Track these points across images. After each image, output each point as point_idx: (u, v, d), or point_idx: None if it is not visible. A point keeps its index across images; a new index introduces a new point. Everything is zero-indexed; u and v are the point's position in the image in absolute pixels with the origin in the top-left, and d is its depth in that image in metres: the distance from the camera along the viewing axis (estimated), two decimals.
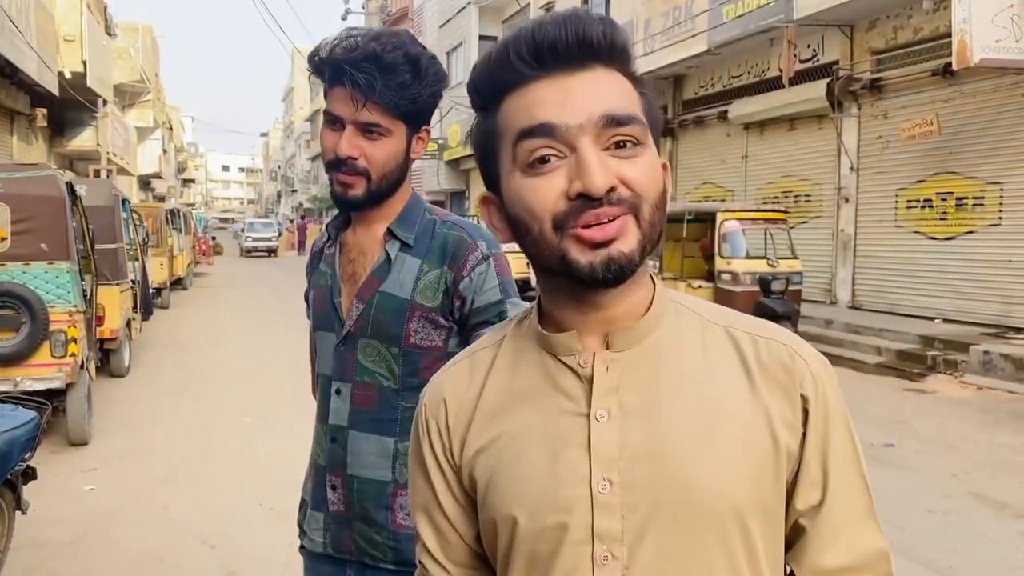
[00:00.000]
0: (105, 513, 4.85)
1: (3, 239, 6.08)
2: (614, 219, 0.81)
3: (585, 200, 0.80)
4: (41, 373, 5.98)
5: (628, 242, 0.81)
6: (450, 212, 1.74)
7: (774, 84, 14.07)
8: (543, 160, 0.82)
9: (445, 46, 27.18)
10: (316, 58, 1.52)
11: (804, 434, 0.86)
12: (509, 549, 0.89)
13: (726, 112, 15.70)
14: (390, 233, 1.60)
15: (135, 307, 10.06)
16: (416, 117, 1.56)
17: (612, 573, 0.84)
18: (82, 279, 6.61)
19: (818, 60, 13.66)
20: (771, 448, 0.85)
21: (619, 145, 0.82)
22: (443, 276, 1.57)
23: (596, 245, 0.81)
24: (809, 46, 13.65)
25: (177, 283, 18.97)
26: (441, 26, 27.05)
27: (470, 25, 25.93)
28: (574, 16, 0.83)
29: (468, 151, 25.93)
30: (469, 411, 0.94)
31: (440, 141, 28.30)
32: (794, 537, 0.89)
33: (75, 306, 6.25)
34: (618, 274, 0.82)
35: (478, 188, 28.08)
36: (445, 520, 0.96)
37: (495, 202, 0.91)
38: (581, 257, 0.81)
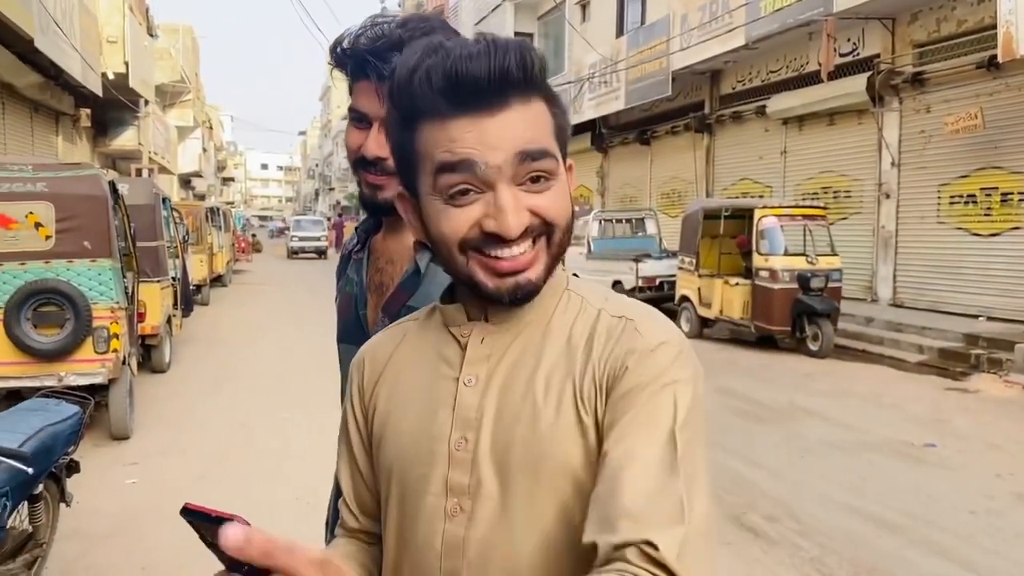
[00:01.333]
0: (145, 506, 4.93)
1: (48, 237, 6.20)
2: (524, 252, 0.90)
3: (499, 237, 0.88)
4: (84, 368, 6.10)
5: (536, 270, 0.91)
6: None
7: (813, 78, 13.88)
8: (463, 192, 0.89)
9: None
10: (338, 50, 1.39)
11: (609, 399, 0.89)
12: (387, 499, 1.00)
13: (764, 107, 15.52)
14: (421, 243, 1.36)
15: (175, 304, 10.22)
16: None
17: (459, 525, 0.92)
18: (124, 276, 6.72)
19: (858, 54, 13.45)
20: (578, 417, 0.90)
21: (534, 180, 0.89)
22: None
23: (504, 274, 0.90)
24: (849, 39, 13.44)
25: (217, 280, 19.23)
26: (476, 24, 27.06)
27: (505, 23, 25.93)
28: (492, 49, 0.87)
29: None
30: (379, 371, 1.05)
31: None
32: None
33: (117, 303, 6.35)
34: (524, 298, 0.93)
35: None
36: (358, 472, 1.06)
37: (411, 200, 0.97)
38: (488, 282, 0.91)
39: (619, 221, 17.42)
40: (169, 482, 5.41)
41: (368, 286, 1.49)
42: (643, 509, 0.80)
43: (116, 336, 6.27)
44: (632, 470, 0.83)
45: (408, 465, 0.97)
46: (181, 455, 6.09)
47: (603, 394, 0.90)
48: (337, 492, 1.16)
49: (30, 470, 2.94)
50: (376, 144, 1.36)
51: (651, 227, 16.73)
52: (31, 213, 6.15)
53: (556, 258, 0.93)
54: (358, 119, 1.40)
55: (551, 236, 0.91)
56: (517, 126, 0.88)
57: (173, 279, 9.95)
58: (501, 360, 0.96)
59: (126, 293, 6.70)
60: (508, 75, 0.87)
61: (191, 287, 13.11)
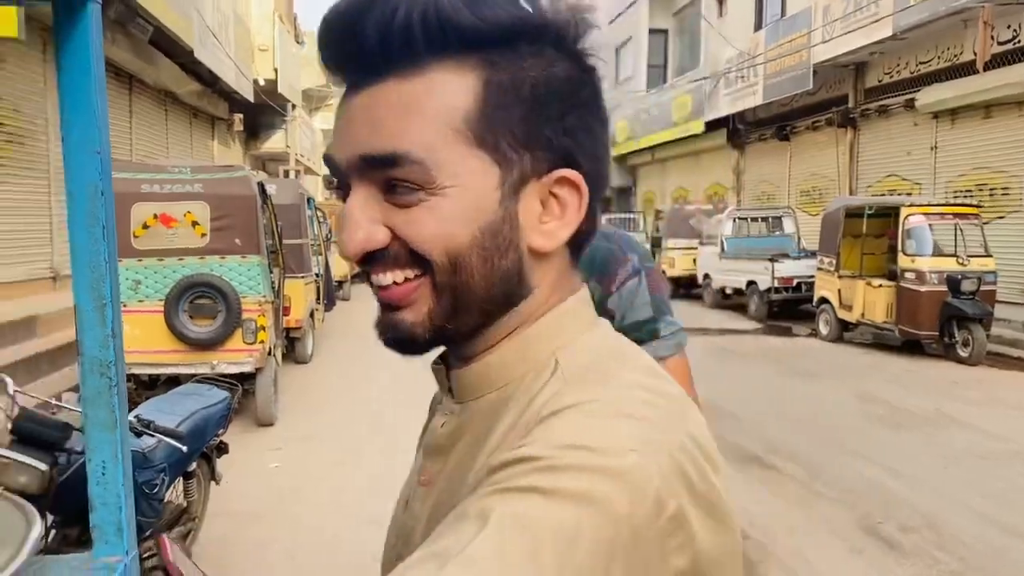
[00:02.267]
0: (288, 490, 5.23)
1: (203, 235, 6.66)
2: (397, 283, 0.65)
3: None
4: (234, 358, 6.52)
5: (414, 312, 0.66)
6: (603, 223, 1.70)
7: (967, 69, 13.06)
8: (345, 194, 0.66)
9: (614, 41, 27.06)
10: None
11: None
12: None
13: (913, 100, 14.71)
14: None
15: (318, 299, 10.73)
16: None
17: None
18: (271, 272, 7.14)
19: (1019, 41, 12.55)
20: None
21: (390, 189, 0.63)
22: (592, 291, 1.50)
23: (381, 306, 0.68)
24: (1009, 27, 12.55)
25: (357, 277, 19.99)
26: (610, 22, 26.96)
27: (640, 19, 25.69)
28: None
29: (634, 147, 25.83)
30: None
31: None
32: None
33: (265, 297, 6.76)
34: (398, 347, 0.68)
35: (646, 185, 27.86)
36: None
37: None
38: (378, 312, 0.69)
39: (755, 219, 16.96)
40: (310, 467, 5.71)
41: None
42: None
43: (263, 328, 6.67)
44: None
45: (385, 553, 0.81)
46: (321, 442, 6.40)
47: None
48: None
49: (185, 448, 3.19)
50: None
51: (789, 226, 16.21)
52: (189, 212, 6.63)
53: (453, 304, 0.65)
54: None
55: (429, 273, 0.64)
56: (375, 112, 0.62)
57: (316, 275, 10.45)
58: (449, 456, 0.71)
59: (273, 288, 7.11)
60: (388, 30, 0.60)
61: (333, 283, 13.72)
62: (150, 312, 6.40)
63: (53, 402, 3.20)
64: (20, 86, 10.74)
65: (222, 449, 4.08)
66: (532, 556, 0.50)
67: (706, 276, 16.85)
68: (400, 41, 0.60)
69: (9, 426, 2.83)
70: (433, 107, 0.62)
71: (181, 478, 3.69)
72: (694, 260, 17.57)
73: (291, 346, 9.36)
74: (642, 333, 1.51)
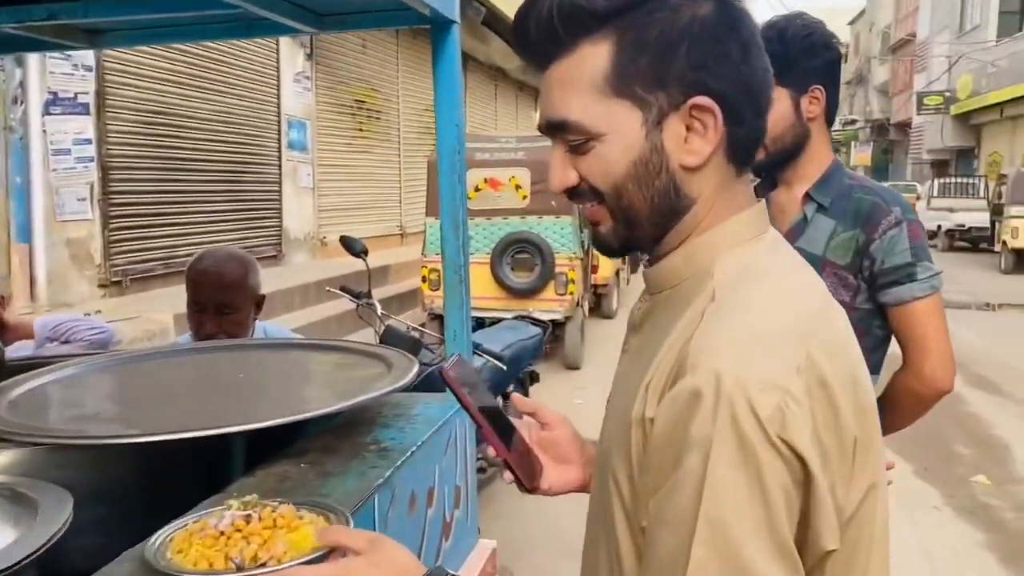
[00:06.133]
0: (588, 423, 5.80)
1: (524, 197, 7.49)
2: (593, 206, 0.87)
3: None
4: (547, 306, 7.30)
5: (604, 227, 0.87)
6: (868, 178, 1.86)
7: None
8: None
9: None
10: None
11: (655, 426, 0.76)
12: None
13: None
14: (808, 196, 1.77)
15: (624, 260, 11.33)
16: (793, 79, 1.69)
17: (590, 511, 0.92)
18: (581, 232, 7.81)
19: None
20: (631, 438, 0.79)
21: (572, 146, 0.84)
22: (855, 237, 1.71)
23: (589, 222, 0.91)
24: None
25: None
26: None
27: None
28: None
29: (979, 104, 23.23)
30: None
31: (947, 93, 25.73)
32: None
33: (575, 253, 7.47)
34: (603, 250, 0.92)
35: (990, 145, 24.96)
36: None
37: None
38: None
39: None
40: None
41: None
42: None
43: (572, 281, 7.38)
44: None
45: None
46: None
47: (655, 403, 0.77)
48: None
49: (505, 369, 3.87)
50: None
51: None
52: (513, 177, 7.48)
53: (626, 221, 0.85)
54: None
55: (604, 201, 0.85)
56: (552, 90, 0.85)
57: None
58: (640, 332, 0.92)
59: (582, 246, 7.79)
60: (541, 26, 0.83)
61: None
62: (479, 264, 7.33)
63: (408, 324, 4.03)
64: (377, 69, 12.44)
65: (534, 377, 4.76)
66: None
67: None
68: (548, 32, 0.82)
69: (377, 338, 3.67)
70: (580, 76, 0.82)
71: (500, 398, 4.41)
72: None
73: (597, 302, 10.02)
74: (899, 276, 1.69)
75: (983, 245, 18.28)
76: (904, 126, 33.53)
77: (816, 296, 0.84)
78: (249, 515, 0.99)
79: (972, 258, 18.07)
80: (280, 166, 9.76)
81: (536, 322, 4.95)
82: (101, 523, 1.43)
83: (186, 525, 1.02)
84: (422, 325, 4.60)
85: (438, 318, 7.23)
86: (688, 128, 0.81)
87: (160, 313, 5.81)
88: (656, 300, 0.90)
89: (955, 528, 4.35)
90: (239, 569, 0.91)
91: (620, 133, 0.81)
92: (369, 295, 3.95)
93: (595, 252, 8.93)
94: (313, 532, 0.96)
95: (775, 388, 0.70)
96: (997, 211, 17.50)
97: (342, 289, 4.08)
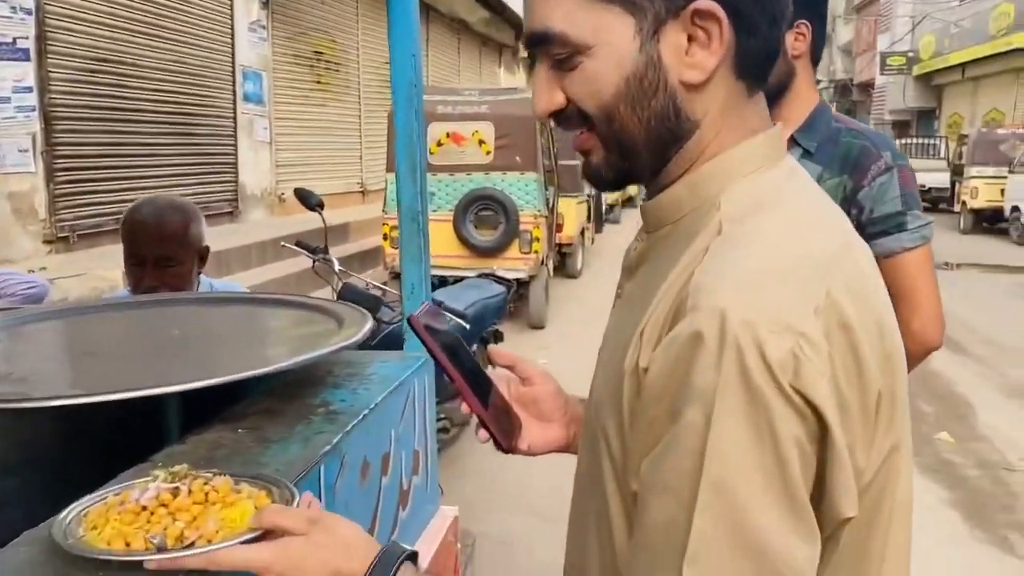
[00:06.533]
0: None
1: (488, 152, 7.30)
2: (582, 133, 0.77)
3: None
4: (511, 265, 7.16)
5: (596, 157, 0.77)
6: (856, 121, 1.74)
7: None
8: None
9: None
10: None
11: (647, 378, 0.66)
12: None
13: None
14: (793, 141, 1.65)
15: (589, 218, 11.22)
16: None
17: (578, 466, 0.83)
18: (546, 189, 7.67)
19: None
20: (623, 385, 0.70)
21: (557, 61, 0.74)
22: (842, 184, 1.62)
23: (579, 151, 0.80)
24: None
25: (628, 201, 20.31)
26: None
27: None
28: None
29: (942, 64, 23.34)
30: None
31: (910, 54, 25.81)
32: None
33: (540, 211, 7.32)
34: (596, 184, 0.80)
35: (951, 106, 25.16)
36: None
37: None
38: None
39: None
40: (573, 367, 6.16)
41: None
42: None
43: (537, 239, 7.24)
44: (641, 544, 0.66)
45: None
46: (587, 347, 6.76)
47: (650, 350, 0.66)
48: None
49: (468, 327, 3.74)
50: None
51: None
52: (476, 131, 7.29)
53: (616, 147, 0.75)
54: None
55: (593, 125, 0.75)
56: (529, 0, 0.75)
57: (588, 196, 10.91)
58: (635, 275, 0.81)
59: (547, 204, 7.65)
60: None
61: (604, 205, 14.15)
62: (441, 221, 7.17)
63: (368, 281, 3.88)
64: (337, 19, 12.07)
65: (498, 337, 4.64)
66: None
67: (1015, 209, 15.17)
68: None
69: (335, 296, 3.51)
70: None
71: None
72: (1001, 191, 15.83)
73: (562, 261, 9.93)
74: (888, 225, 1.60)
75: (943, 206, 18.45)
76: (867, 86, 33.63)
77: (838, 230, 0.73)
78: (177, 488, 0.86)
79: (932, 218, 18.22)
80: (235, 119, 9.44)
81: (500, 280, 4.81)
82: (15, 495, 1.29)
83: (105, 498, 0.89)
84: (384, 284, 4.44)
85: (399, 276, 7.07)
86: (689, 38, 0.70)
87: (109, 270, 5.59)
88: (654, 239, 0.79)
89: (919, 485, 4.34)
90: (160, 550, 0.78)
91: (610, 45, 0.71)
92: (326, 251, 3.78)
93: (560, 211, 8.83)
94: (252, 508, 0.84)
95: (789, 330, 0.60)
96: (957, 172, 17.68)
97: (298, 244, 3.90)
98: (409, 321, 0.87)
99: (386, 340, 3.24)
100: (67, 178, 6.81)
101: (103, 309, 1.78)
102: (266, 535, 0.79)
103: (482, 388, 0.92)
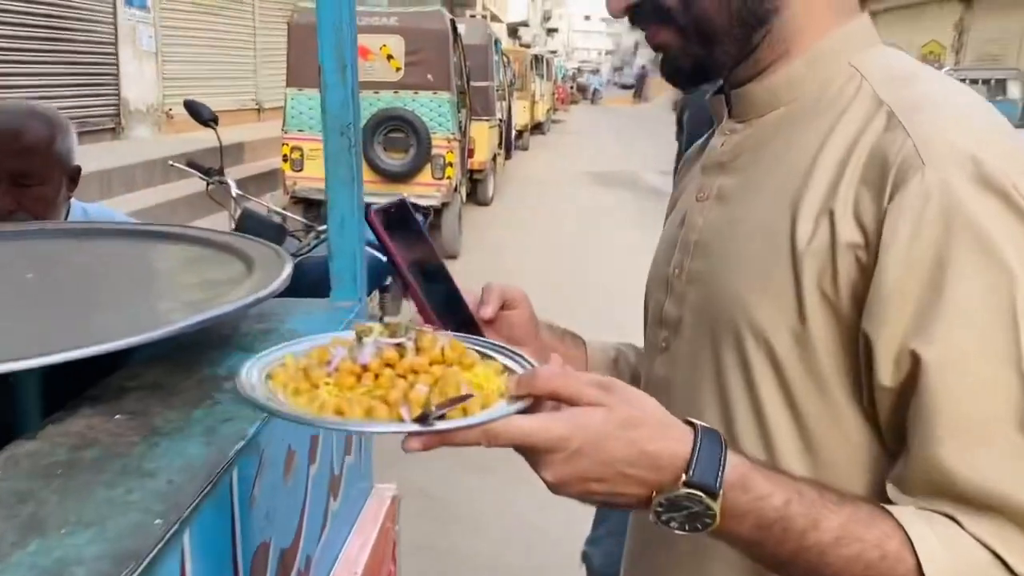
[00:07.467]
0: None
1: (398, 69, 6.82)
2: (650, 26, 0.77)
3: None
4: (423, 191, 6.78)
5: (674, 48, 0.76)
6: None
7: None
8: None
9: None
10: None
11: (878, 253, 0.63)
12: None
13: None
14: None
15: (500, 143, 10.86)
16: None
17: (663, 364, 0.84)
18: (459, 112, 7.26)
19: None
20: (790, 261, 0.68)
21: None
22: None
23: (655, 49, 0.79)
24: None
25: (536, 128, 19.97)
26: None
27: None
28: None
29: None
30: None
31: None
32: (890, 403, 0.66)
33: (453, 134, 6.92)
34: (670, 79, 0.79)
35: (885, 35, 25.54)
36: None
37: None
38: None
39: (973, 82, 15.34)
40: None
41: None
42: (991, 489, 0.60)
43: (451, 164, 6.86)
44: (964, 407, 0.60)
45: (650, 286, 0.89)
46: (506, 275, 6.62)
47: (853, 224, 0.65)
48: None
49: (384, 259, 3.40)
50: None
51: (1014, 91, 14.58)
52: (384, 46, 6.78)
53: (707, 38, 0.74)
54: None
55: (674, 18, 0.74)
56: None
57: (500, 120, 10.53)
58: (731, 168, 0.79)
59: (460, 127, 7.25)
60: None
61: (514, 131, 13.77)
62: None
63: (270, 207, 3.47)
64: None
65: None
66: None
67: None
68: None
69: (233, 224, 3.11)
70: None
71: (378, 291, 3.95)
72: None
73: (473, 188, 9.59)
74: None
75: None
76: None
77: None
78: (401, 343, 0.65)
79: None
80: (116, 25, 8.56)
81: (416, 208, 4.46)
82: None
83: (282, 360, 0.68)
84: (284, 209, 4.04)
85: (302, 202, 6.61)
86: None
87: None
88: (760, 125, 0.77)
89: None
90: (422, 419, 0.58)
91: None
92: (221, 172, 3.35)
93: (472, 135, 8.44)
94: (493, 373, 0.65)
95: None
96: None
97: (189, 165, 3.45)
98: (366, 217, 0.77)
99: (296, 281, 2.88)
100: None
101: None
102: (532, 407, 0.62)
103: (447, 302, 0.83)
